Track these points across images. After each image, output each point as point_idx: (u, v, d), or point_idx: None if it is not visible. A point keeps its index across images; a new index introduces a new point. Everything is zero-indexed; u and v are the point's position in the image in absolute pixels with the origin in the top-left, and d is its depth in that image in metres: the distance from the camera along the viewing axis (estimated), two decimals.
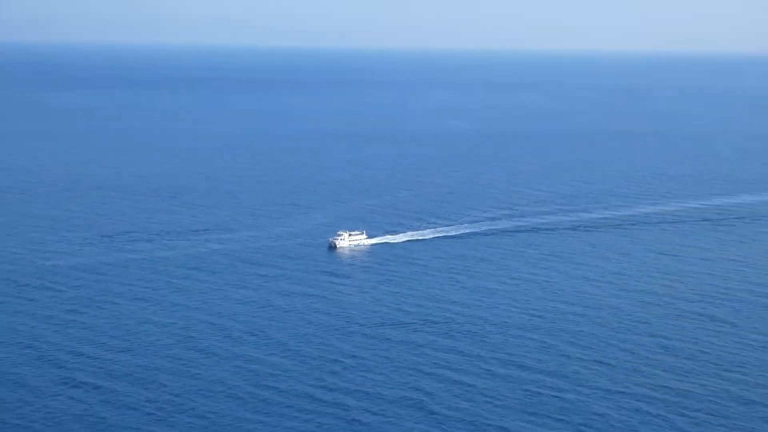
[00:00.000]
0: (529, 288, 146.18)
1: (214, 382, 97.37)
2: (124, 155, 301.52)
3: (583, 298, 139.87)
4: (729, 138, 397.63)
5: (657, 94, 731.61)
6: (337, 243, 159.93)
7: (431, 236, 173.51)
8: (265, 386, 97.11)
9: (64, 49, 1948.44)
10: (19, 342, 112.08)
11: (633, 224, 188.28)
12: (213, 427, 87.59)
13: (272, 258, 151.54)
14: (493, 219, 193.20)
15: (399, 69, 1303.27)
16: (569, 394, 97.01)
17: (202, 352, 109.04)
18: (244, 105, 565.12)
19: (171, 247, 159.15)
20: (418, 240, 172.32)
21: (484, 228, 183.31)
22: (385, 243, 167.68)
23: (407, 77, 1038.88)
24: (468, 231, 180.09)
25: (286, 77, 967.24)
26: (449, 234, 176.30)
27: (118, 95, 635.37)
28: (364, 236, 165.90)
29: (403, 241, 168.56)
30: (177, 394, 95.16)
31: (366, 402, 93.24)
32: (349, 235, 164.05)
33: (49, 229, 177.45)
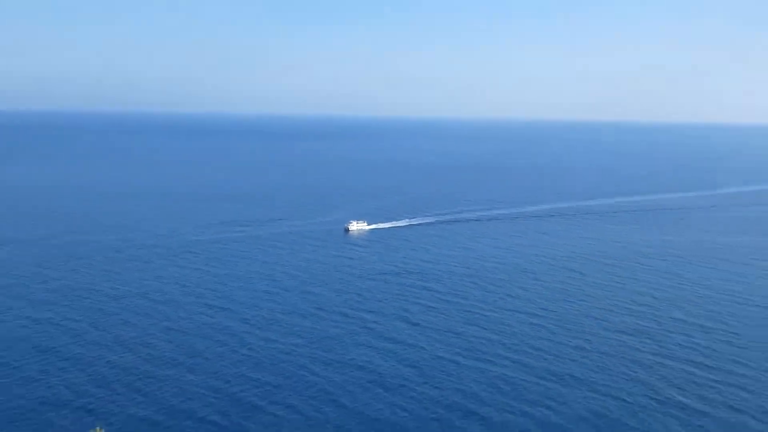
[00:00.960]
0: (464, 252, 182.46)
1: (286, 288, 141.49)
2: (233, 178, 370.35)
3: (495, 259, 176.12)
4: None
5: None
6: (349, 228, 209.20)
7: (407, 224, 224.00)
8: (316, 308, 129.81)
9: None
10: (182, 284, 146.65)
11: (515, 218, 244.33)
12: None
13: (313, 236, 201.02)
14: (445, 214, 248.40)
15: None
16: (492, 314, 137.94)
17: (278, 283, 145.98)
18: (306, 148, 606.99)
19: (258, 230, 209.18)
20: (399, 226, 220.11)
21: (440, 219, 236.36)
22: (379, 228, 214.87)
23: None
24: (430, 221, 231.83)
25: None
26: (419, 223, 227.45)
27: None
28: (366, 224, 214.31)
29: (390, 227, 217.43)
30: (265, 290, 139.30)
31: (373, 315, 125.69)
32: (357, 223, 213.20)
33: (185, 219, 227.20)
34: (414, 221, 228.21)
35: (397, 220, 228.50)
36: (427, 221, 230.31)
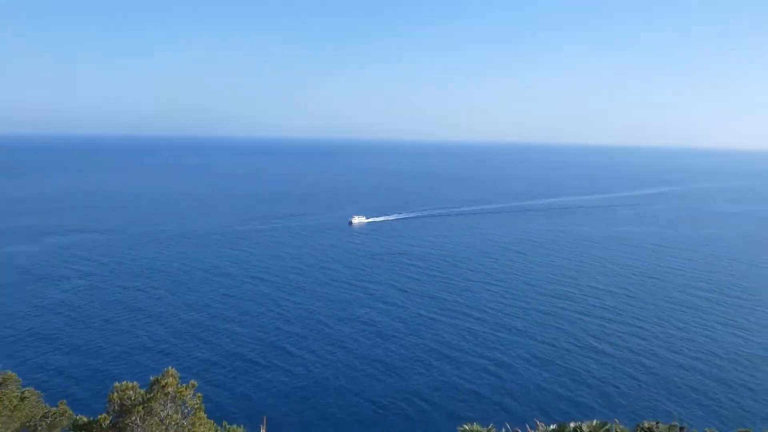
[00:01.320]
0: (438, 239, 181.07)
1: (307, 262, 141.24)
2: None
3: (461, 243, 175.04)
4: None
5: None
6: (352, 221, 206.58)
7: (396, 218, 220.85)
8: (330, 279, 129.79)
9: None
10: (232, 262, 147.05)
11: (459, 215, 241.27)
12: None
13: (326, 227, 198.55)
14: (424, 209, 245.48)
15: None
16: (459, 283, 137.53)
17: (302, 261, 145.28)
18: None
19: (288, 222, 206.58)
20: (390, 220, 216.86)
21: (421, 215, 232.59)
22: (375, 221, 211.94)
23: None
24: (413, 216, 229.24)
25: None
26: (405, 217, 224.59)
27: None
28: (365, 218, 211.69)
29: (383, 220, 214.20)
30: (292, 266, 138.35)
31: (372, 285, 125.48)
32: (358, 217, 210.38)
33: (238, 214, 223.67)
34: (401, 216, 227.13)
35: (388, 215, 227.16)
36: (411, 216, 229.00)
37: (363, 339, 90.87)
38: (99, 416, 16.78)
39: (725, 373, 79.23)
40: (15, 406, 26.56)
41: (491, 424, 21.72)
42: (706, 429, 19.88)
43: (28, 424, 27.47)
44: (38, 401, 28.34)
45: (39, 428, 27.47)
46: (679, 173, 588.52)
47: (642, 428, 20.04)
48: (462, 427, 21.92)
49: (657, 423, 20.35)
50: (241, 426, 17.32)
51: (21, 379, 28.73)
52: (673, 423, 20.50)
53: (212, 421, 16.06)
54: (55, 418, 27.93)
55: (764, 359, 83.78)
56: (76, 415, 26.40)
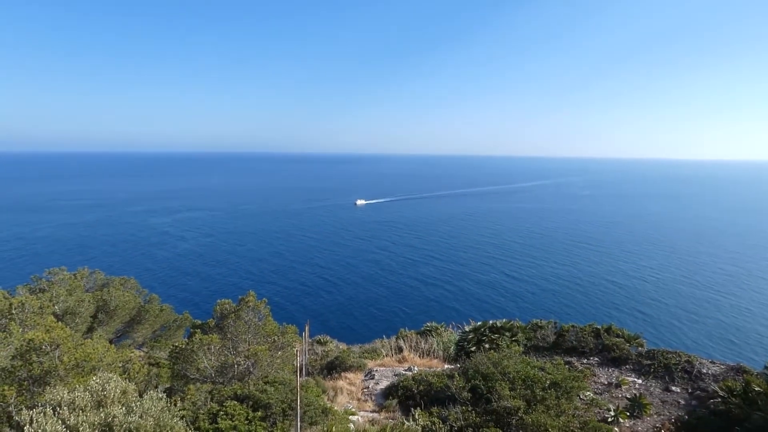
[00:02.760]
0: (413, 212, 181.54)
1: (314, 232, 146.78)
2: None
3: (429, 214, 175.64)
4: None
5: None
6: (356, 203, 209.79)
7: (386, 200, 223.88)
8: (341, 237, 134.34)
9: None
10: (294, 224, 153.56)
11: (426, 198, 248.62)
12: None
13: (340, 207, 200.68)
14: (405, 195, 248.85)
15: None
16: (428, 237, 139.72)
17: (325, 227, 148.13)
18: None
19: (318, 204, 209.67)
20: (384, 201, 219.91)
21: (403, 198, 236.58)
22: (371, 203, 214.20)
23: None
24: (398, 199, 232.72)
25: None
26: (394, 200, 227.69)
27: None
28: (364, 200, 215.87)
29: (378, 202, 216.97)
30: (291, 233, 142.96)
31: (369, 245, 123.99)
32: (359, 200, 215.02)
33: (288, 199, 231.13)
34: (389, 199, 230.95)
35: (380, 198, 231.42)
36: (397, 199, 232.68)
37: (371, 270, 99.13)
38: (208, 320, 17.22)
39: (585, 288, 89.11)
40: (157, 315, 27.76)
41: (443, 322, 23.64)
42: (572, 323, 19.21)
43: (165, 325, 28.97)
44: (171, 312, 29.67)
45: (171, 328, 28.85)
46: (554, 171, 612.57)
47: (533, 324, 19.73)
48: (425, 324, 23.22)
49: (541, 321, 20.12)
50: (294, 325, 17.20)
51: (160, 297, 30.31)
52: (553, 321, 20.26)
53: (276, 323, 16.54)
54: (182, 322, 29.45)
55: (598, 277, 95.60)
56: (194, 320, 27.90)
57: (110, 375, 8.96)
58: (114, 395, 8.42)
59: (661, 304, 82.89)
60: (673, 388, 14.19)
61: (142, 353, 23.77)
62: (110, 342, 22.35)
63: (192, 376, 13.83)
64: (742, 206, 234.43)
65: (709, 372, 14.65)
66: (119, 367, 11.83)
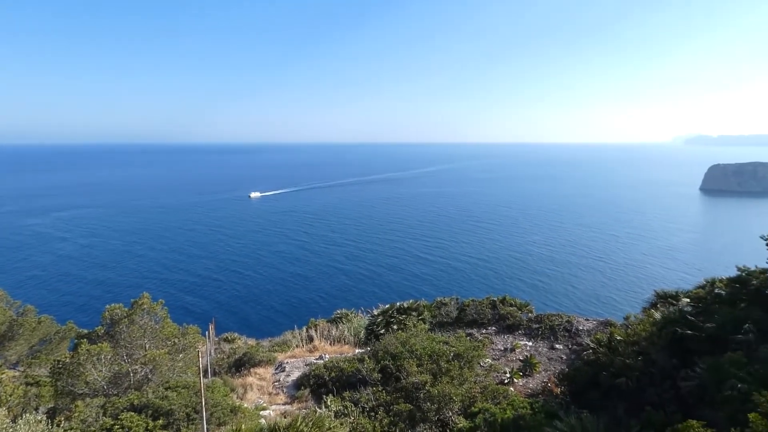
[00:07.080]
0: (307, 201, 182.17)
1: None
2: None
3: (331, 203, 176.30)
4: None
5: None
6: (251, 195, 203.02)
7: (284, 191, 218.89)
8: (237, 231, 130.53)
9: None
10: (187, 219, 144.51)
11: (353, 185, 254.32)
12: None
13: (235, 199, 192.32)
14: (302, 185, 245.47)
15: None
16: (338, 225, 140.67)
17: (214, 225, 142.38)
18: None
19: (205, 198, 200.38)
20: (282, 192, 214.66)
21: (300, 188, 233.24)
22: (267, 194, 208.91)
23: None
24: (296, 189, 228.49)
25: None
26: (294, 190, 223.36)
27: None
28: (259, 192, 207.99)
29: (275, 193, 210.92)
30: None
31: (270, 238, 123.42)
32: (254, 192, 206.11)
33: (182, 193, 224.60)
34: (287, 190, 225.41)
35: (277, 190, 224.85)
36: (294, 189, 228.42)
37: (272, 260, 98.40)
38: (96, 328, 16.15)
39: (486, 264, 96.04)
40: (34, 328, 26.17)
41: (353, 308, 23.73)
42: (472, 298, 19.59)
43: (45, 338, 27.09)
44: (52, 323, 27.92)
45: (53, 341, 27.07)
46: (448, 157, 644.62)
47: (437, 301, 20.34)
48: (336, 311, 23.04)
49: (444, 298, 20.64)
50: (197, 325, 16.37)
51: (37, 308, 28.54)
52: (456, 297, 20.69)
53: (175, 324, 15.78)
54: (65, 333, 27.59)
55: (497, 253, 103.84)
56: (80, 330, 26.14)
57: None
58: None
59: (549, 272, 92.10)
60: (557, 345, 15.62)
61: (17, 373, 21.22)
62: None
63: (80, 392, 12.65)
64: (620, 183, 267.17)
65: (584, 328, 16.27)
66: None
